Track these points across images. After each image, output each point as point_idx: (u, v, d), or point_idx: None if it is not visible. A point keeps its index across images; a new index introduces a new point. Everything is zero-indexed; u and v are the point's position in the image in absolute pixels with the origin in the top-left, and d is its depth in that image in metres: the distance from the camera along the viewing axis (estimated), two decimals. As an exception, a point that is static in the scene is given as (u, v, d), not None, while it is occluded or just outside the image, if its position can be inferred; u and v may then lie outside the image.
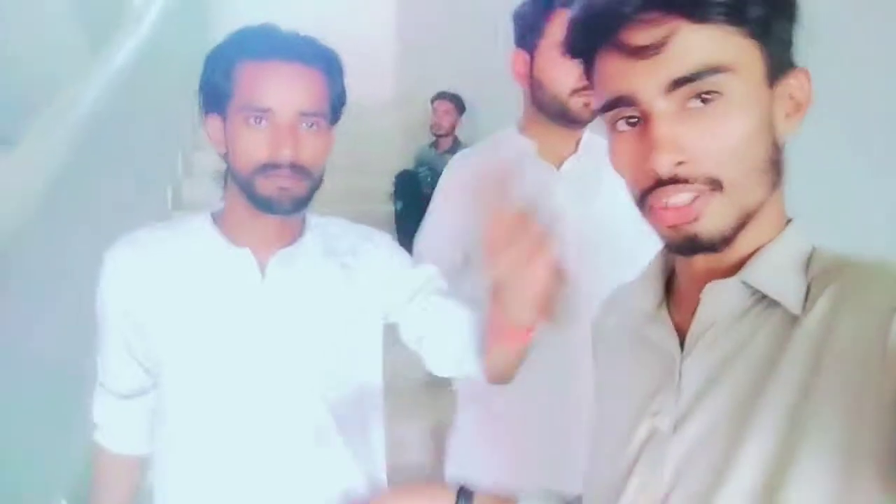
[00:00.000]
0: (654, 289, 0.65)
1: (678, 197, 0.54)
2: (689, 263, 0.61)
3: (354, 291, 1.03)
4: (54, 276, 2.12)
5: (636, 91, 0.54)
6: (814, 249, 0.58)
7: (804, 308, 0.53)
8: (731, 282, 0.57)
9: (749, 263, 0.57)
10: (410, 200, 3.51)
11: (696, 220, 0.54)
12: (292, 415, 0.97)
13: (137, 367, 1.00)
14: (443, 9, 4.66)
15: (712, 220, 0.54)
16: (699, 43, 0.52)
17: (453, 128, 3.88)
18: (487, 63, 3.91)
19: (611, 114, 0.57)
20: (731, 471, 0.53)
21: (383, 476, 1.09)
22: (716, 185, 0.54)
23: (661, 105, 0.53)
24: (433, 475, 2.18)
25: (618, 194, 1.40)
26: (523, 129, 1.38)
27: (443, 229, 1.42)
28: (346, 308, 1.03)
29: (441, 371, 1.09)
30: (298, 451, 0.98)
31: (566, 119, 1.29)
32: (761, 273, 0.56)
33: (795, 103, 0.57)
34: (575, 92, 1.24)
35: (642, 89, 0.54)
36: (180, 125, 4.31)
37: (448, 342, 1.05)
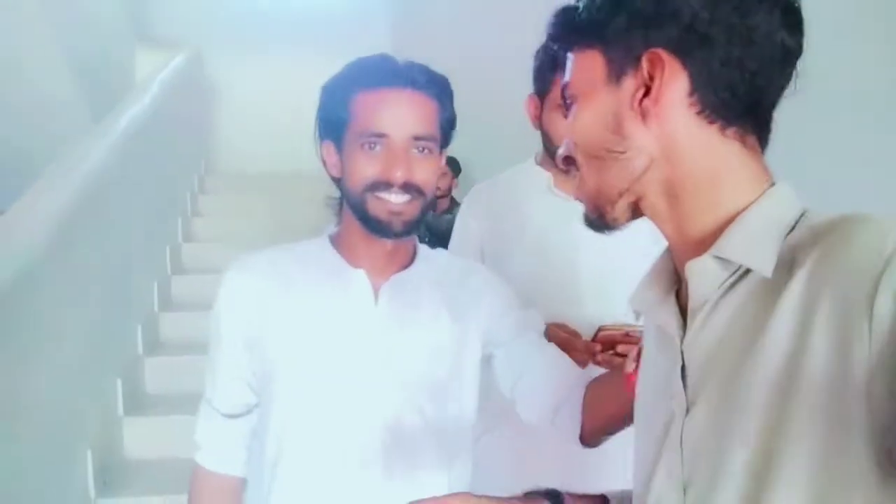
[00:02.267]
0: (664, 278, 0.66)
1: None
2: (675, 244, 0.63)
3: (460, 323, 1.04)
4: (52, 333, 2.09)
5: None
6: (802, 213, 0.57)
7: (790, 272, 0.52)
8: (705, 257, 0.57)
9: (721, 236, 0.57)
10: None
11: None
12: (392, 438, 0.98)
13: (246, 387, 1.01)
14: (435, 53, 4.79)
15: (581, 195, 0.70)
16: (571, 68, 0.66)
17: (450, 190, 3.94)
18: (484, 122, 4.02)
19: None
20: (727, 450, 0.54)
21: None
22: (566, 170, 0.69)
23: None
24: None
25: (641, 222, 1.44)
26: (540, 161, 1.42)
27: (469, 254, 1.44)
28: (451, 338, 1.04)
29: (532, 417, 1.07)
30: (396, 473, 0.98)
31: (569, 172, 1.32)
32: (733, 244, 0.56)
33: (637, 88, 0.59)
34: None
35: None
36: (180, 192, 4.35)
37: (547, 387, 1.04)
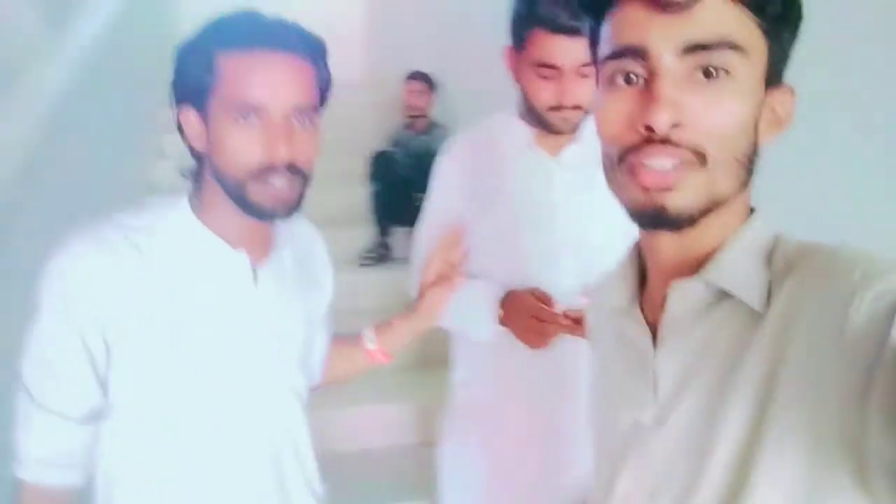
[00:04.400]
0: (627, 285, 0.66)
1: (662, 160, 0.54)
2: (657, 258, 0.62)
3: (307, 292, 1.05)
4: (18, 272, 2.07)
5: (650, 45, 0.54)
6: (776, 239, 0.59)
7: (767, 302, 0.55)
8: (694, 281, 0.58)
9: (711, 261, 0.58)
10: (387, 182, 3.48)
11: (669, 189, 0.55)
12: (276, 420, 0.98)
13: (97, 386, 0.88)
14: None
15: (685, 194, 0.55)
16: (723, 15, 0.53)
17: (427, 108, 3.85)
18: (461, 40, 3.88)
19: (613, 65, 0.57)
20: (705, 465, 0.55)
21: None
22: (700, 158, 0.54)
23: (670, 64, 0.54)
24: (423, 456, 2.20)
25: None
26: (522, 115, 1.35)
27: (441, 215, 1.41)
28: (304, 308, 1.04)
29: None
30: (280, 460, 0.98)
31: (548, 129, 1.28)
32: (723, 271, 0.57)
33: (777, 117, 0.59)
34: (552, 109, 1.23)
35: (657, 44, 0.54)
36: (150, 107, 4.21)
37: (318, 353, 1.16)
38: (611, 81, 0.58)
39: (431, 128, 3.83)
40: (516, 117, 1.36)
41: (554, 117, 1.24)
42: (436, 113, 3.90)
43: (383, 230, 3.58)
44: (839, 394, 0.47)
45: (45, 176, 2.25)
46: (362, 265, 3.43)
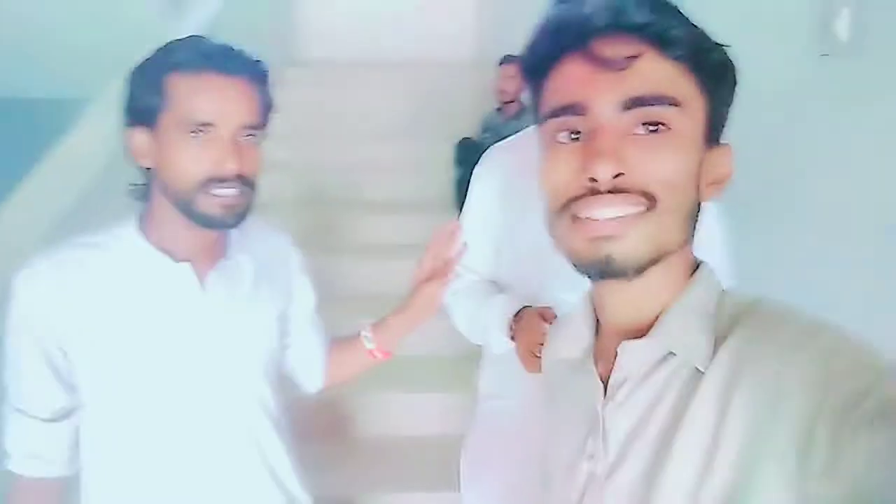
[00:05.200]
0: (582, 337, 0.68)
1: (609, 209, 0.55)
2: (607, 312, 0.64)
3: (274, 300, 1.09)
4: None
5: (592, 101, 0.56)
6: (722, 294, 0.61)
7: (711, 359, 0.56)
8: (644, 342, 0.59)
9: (658, 323, 0.59)
10: (471, 168, 3.49)
11: (616, 238, 0.55)
12: (233, 426, 1.02)
13: (61, 389, 0.97)
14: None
15: (632, 242, 0.55)
16: (662, 72, 0.55)
17: (519, 93, 3.80)
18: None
19: (556, 122, 0.58)
20: None
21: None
22: (651, 202, 0.55)
23: (612, 118, 0.55)
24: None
25: None
26: None
27: (476, 223, 1.40)
28: (274, 318, 1.08)
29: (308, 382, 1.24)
30: (240, 463, 1.03)
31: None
32: (670, 333, 0.58)
33: (717, 175, 0.59)
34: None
35: (598, 100, 0.55)
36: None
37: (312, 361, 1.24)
38: (554, 138, 0.59)
39: (523, 113, 3.78)
40: None
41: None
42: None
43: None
44: (777, 457, 0.49)
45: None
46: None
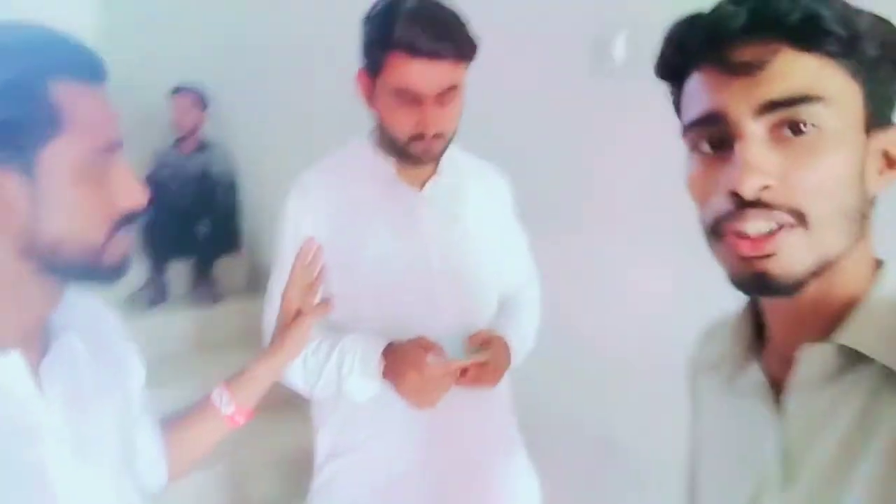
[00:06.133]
0: (742, 340, 0.64)
1: (757, 224, 0.52)
2: (777, 318, 0.60)
3: (124, 381, 0.86)
4: None
5: (728, 109, 0.53)
6: None
7: None
8: (829, 346, 0.55)
9: (845, 322, 0.55)
10: (157, 210, 3.06)
11: (770, 255, 0.52)
12: None
13: None
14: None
15: (788, 258, 0.52)
16: (800, 69, 0.52)
17: (197, 127, 3.47)
18: (231, 43, 3.54)
19: (696, 132, 0.56)
20: None
21: None
22: (800, 218, 0.51)
23: (751, 127, 0.52)
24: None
25: (484, 215, 1.25)
26: (379, 145, 1.21)
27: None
28: (130, 400, 0.86)
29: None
30: None
31: (408, 160, 1.17)
32: (862, 334, 0.54)
33: (889, 160, 0.56)
34: (413, 139, 1.12)
35: (735, 108, 0.53)
36: None
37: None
38: (696, 148, 0.57)
39: (205, 148, 3.47)
40: (372, 148, 1.23)
41: (415, 147, 1.14)
42: (209, 130, 3.54)
43: (157, 266, 3.17)
44: None
45: None
46: (132, 309, 2.99)
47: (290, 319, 1.03)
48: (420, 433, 1.22)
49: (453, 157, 1.25)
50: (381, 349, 1.16)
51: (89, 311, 0.84)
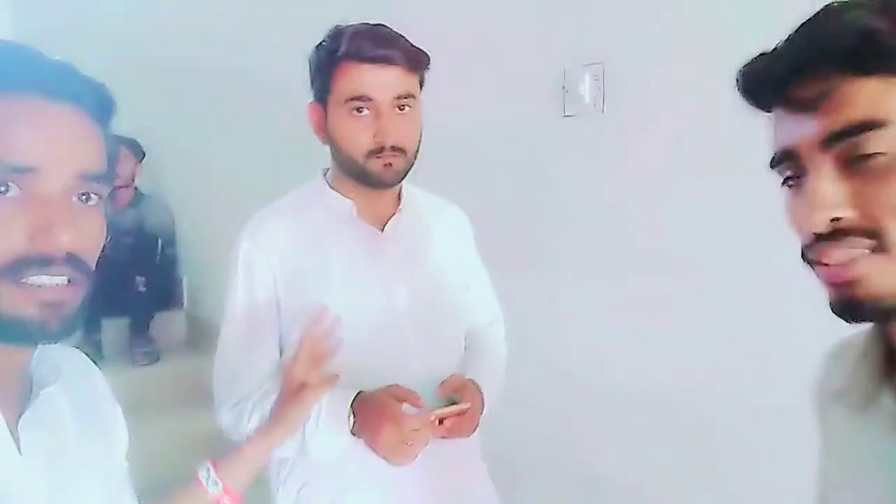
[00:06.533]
0: (873, 359, 0.61)
1: (833, 254, 0.53)
2: None
3: (109, 445, 0.79)
4: None
5: (797, 145, 0.55)
6: None
7: None
8: None
9: None
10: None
11: (854, 282, 0.52)
12: None
13: None
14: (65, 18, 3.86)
15: (874, 283, 0.52)
16: (860, 96, 0.51)
17: (132, 178, 3.33)
18: (161, 92, 3.43)
19: (778, 168, 0.58)
20: None
21: None
22: (878, 243, 0.51)
23: (817, 160, 0.53)
24: None
25: (447, 253, 1.19)
26: (335, 185, 1.17)
27: (251, 313, 1.14)
28: (116, 466, 0.79)
29: None
30: None
31: (368, 182, 1.11)
32: None
33: None
34: (371, 154, 1.08)
35: (800, 144, 0.54)
36: None
37: None
38: (784, 181, 0.58)
39: (140, 200, 3.34)
40: (329, 187, 1.18)
41: (375, 164, 1.09)
42: (143, 183, 3.40)
43: (91, 324, 2.98)
44: None
45: None
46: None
47: (294, 393, 0.96)
48: (390, 493, 1.13)
49: (413, 195, 1.21)
50: (349, 402, 1.07)
51: (76, 368, 0.77)
